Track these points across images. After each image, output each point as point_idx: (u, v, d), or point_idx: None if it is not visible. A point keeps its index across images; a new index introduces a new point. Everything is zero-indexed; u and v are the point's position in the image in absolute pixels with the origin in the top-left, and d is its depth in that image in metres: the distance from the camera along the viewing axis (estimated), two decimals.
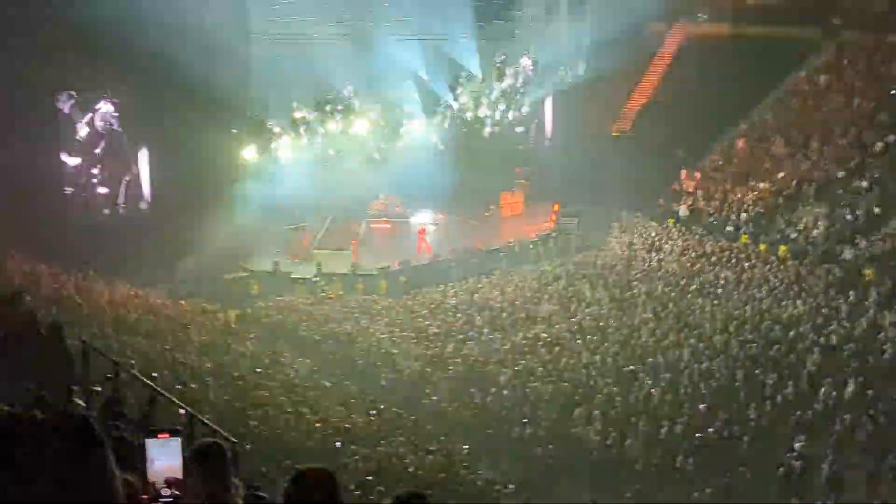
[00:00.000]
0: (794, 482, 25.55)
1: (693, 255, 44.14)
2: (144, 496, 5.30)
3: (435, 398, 31.71)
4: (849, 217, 42.44)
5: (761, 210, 46.46)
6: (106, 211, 44.39)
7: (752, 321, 35.56)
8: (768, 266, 41.28)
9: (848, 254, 40.23)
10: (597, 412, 29.14)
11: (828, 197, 44.80)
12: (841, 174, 45.88)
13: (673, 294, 39.70)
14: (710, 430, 27.74)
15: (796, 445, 26.60)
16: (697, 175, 52.38)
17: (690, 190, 51.51)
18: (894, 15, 53.68)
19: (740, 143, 53.53)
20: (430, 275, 46.60)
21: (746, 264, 41.95)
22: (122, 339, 30.30)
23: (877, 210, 42.37)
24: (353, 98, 56.11)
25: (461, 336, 36.71)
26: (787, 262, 41.32)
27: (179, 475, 4.96)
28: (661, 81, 60.94)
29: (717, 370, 31.38)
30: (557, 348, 34.37)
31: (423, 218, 53.65)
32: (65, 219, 42.56)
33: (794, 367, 31.37)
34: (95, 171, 43.99)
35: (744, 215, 46.63)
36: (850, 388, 29.44)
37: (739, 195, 48.45)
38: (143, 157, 44.95)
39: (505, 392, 31.33)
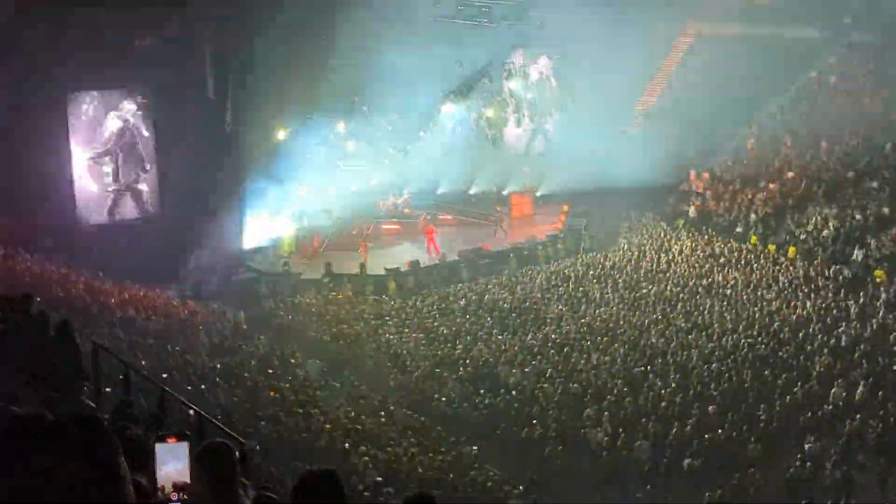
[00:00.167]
0: (803, 483, 25.52)
1: (702, 255, 44.09)
2: (154, 500, 5.32)
3: (444, 399, 31.70)
4: (858, 218, 42.38)
5: (770, 211, 46.42)
6: (116, 212, 44.42)
7: (762, 322, 35.53)
8: (777, 267, 41.24)
9: (858, 254, 40.17)
10: (606, 413, 29.13)
11: (837, 198, 44.74)
12: (850, 175, 45.83)
13: (682, 295, 39.66)
14: (720, 431, 27.73)
15: (806, 446, 26.60)
16: (706, 175, 52.34)
17: (699, 190, 51.49)
18: None
19: (749, 143, 53.51)
20: (439, 276, 46.59)
21: (755, 265, 41.92)
22: (132, 339, 30.37)
23: (886, 211, 42.31)
24: (362, 99, 56.07)
25: (470, 337, 36.70)
26: (797, 262, 41.27)
27: (187, 479, 4.98)
28: (670, 82, 60.92)
29: (727, 371, 31.36)
30: (567, 349, 34.35)
31: (432, 219, 53.63)
32: (75, 220, 42.63)
33: (804, 368, 31.36)
34: (110, 170, 44.03)
35: (753, 216, 46.57)
36: (860, 389, 29.43)
37: (749, 196, 48.41)
38: (155, 158, 44.99)
39: (514, 393, 31.32)
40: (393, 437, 27.57)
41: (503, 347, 35.34)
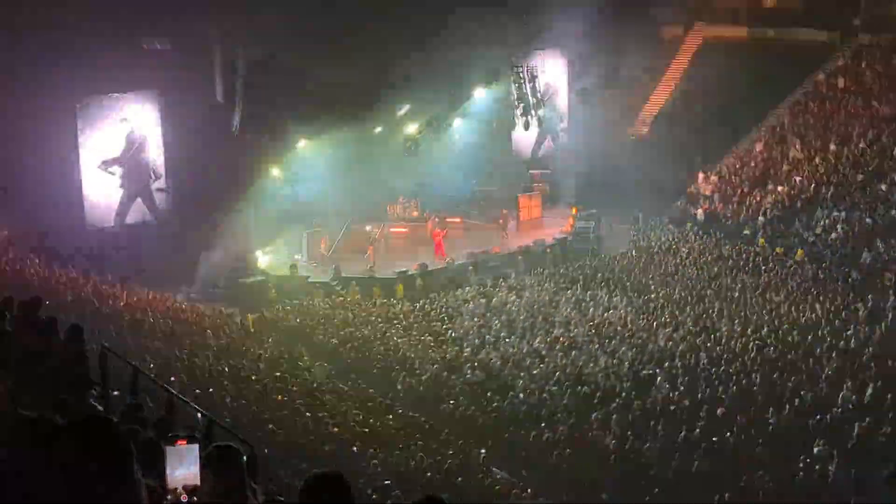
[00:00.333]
0: (811, 486, 25.45)
1: (710, 258, 44.06)
2: (165, 502, 5.32)
3: (452, 402, 31.66)
4: (867, 220, 42.32)
5: (779, 213, 46.38)
6: (125, 216, 44.49)
7: (770, 325, 35.51)
8: (786, 269, 41.20)
9: (866, 257, 40.11)
10: (614, 416, 29.08)
11: (846, 200, 44.68)
12: (859, 177, 45.78)
13: (690, 297, 39.64)
14: (728, 433, 27.66)
15: (814, 449, 26.52)
16: (715, 178, 52.31)
17: (708, 193, 51.45)
18: None
19: (758, 146, 53.48)
20: (447, 279, 46.57)
21: (764, 268, 41.89)
22: (140, 342, 30.39)
23: (895, 213, 42.25)
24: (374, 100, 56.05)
25: (478, 340, 36.67)
26: (805, 265, 41.22)
27: (197, 482, 4.99)
28: (678, 84, 60.91)
29: (735, 374, 31.32)
30: (575, 352, 34.33)
31: (440, 222, 53.61)
32: (84, 224, 42.72)
33: (812, 370, 31.31)
34: (119, 174, 44.12)
35: (761, 218, 46.54)
36: (869, 391, 29.36)
37: (757, 198, 48.38)
38: (164, 161, 45.07)
39: (522, 396, 31.28)
40: (401, 441, 27.54)
41: (511, 350, 35.29)
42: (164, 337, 32.72)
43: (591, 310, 39.26)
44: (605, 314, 38.63)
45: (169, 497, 4.91)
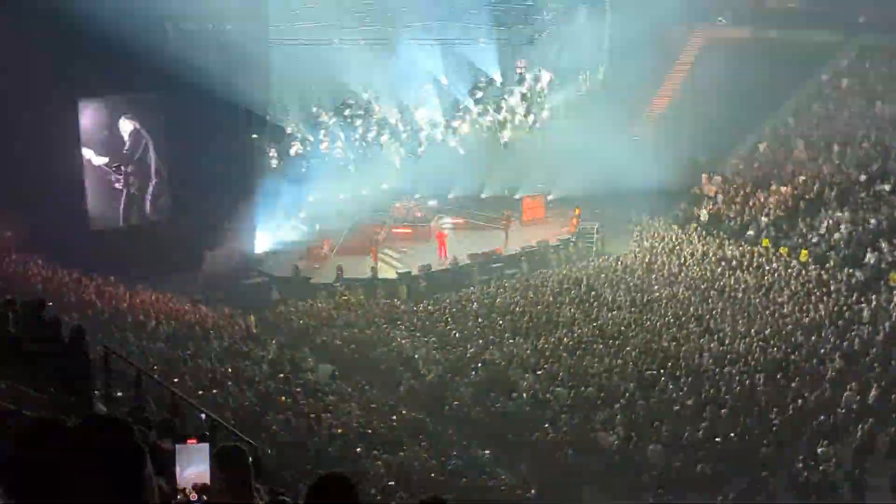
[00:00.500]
0: (815, 487, 25.44)
1: (714, 259, 44.04)
2: (175, 502, 5.32)
3: (456, 403, 31.66)
4: (871, 221, 42.27)
5: (782, 214, 46.34)
6: (127, 217, 44.52)
7: (774, 326, 35.49)
8: (790, 270, 41.16)
9: (870, 258, 40.07)
10: (618, 416, 29.08)
11: (850, 201, 44.64)
12: (863, 178, 45.72)
13: (694, 298, 39.64)
14: (732, 434, 27.66)
15: (818, 450, 26.52)
16: (718, 179, 52.28)
17: (711, 194, 51.41)
18: None
19: (762, 146, 53.44)
20: (450, 279, 46.58)
21: (767, 268, 41.85)
22: (143, 344, 30.42)
23: None
24: (373, 103, 56.12)
25: (482, 341, 36.66)
26: (809, 266, 41.19)
27: (207, 481, 4.99)
28: (682, 85, 60.90)
29: (739, 375, 31.30)
30: (579, 353, 34.31)
31: (444, 223, 53.67)
32: (87, 225, 42.75)
33: (816, 371, 31.31)
34: (119, 176, 44.13)
35: (765, 219, 46.49)
36: (873, 392, 29.35)
37: (760, 199, 48.33)
38: (166, 162, 45.08)
39: (526, 396, 31.27)
40: (405, 442, 27.54)
41: (515, 351, 35.28)
42: (167, 338, 32.74)
43: (595, 310, 39.24)
44: (609, 315, 38.62)
45: (179, 496, 4.90)
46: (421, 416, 30.62)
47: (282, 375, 31.88)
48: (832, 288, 38.58)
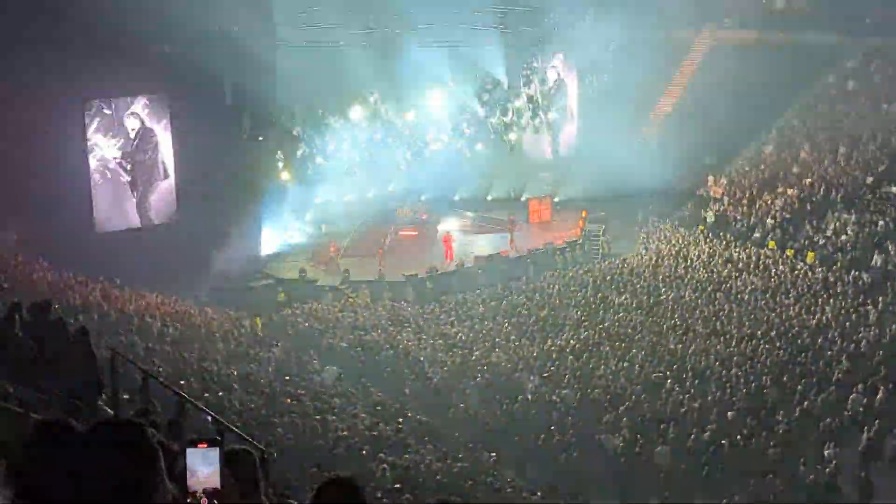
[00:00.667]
0: (822, 489, 25.41)
1: (720, 261, 43.98)
2: None
3: (462, 405, 31.66)
4: (880, 223, 42.22)
5: (789, 216, 46.29)
6: (133, 219, 44.56)
7: (780, 328, 35.43)
8: (796, 272, 41.11)
9: (877, 260, 40.02)
10: (624, 419, 29.06)
11: (856, 203, 44.59)
12: (870, 180, 45.68)
13: (700, 300, 39.60)
14: (738, 436, 27.63)
15: (825, 452, 26.49)
16: (724, 181, 52.24)
17: (718, 196, 51.37)
18: None
19: (768, 148, 53.39)
20: (456, 282, 46.58)
21: (774, 270, 41.79)
22: (149, 346, 30.43)
23: None
24: (379, 105, 56.16)
25: (488, 343, 36.66)
26: (815, 268, 41.14)
27: (218, 484, 4.97)
28: (688, 87, 60.85)
29: (745, 377, 31.27)
30: (585, 355, 34.31)
31: (450, 225, 53.67)
32: (92, 226, 42.78)
33: (823, 373, 31.24)
34: (128, 177, 44.19)
35: (771, 221, 46.44)
36: (879, 395, 29.31)
37: (767, 201, 48.28)
38: (173, 164, 45.12)
39: (532, 399, 31.26)
40: (411, 444, 27.54)
41: (521, 353, 35.28)
42: (173, 341, 32.75)
43: (601, 313, 39.23)
44: (615, 317, 38.59)
45: (189, 500, 4.89)
46: (427, 419, 30.62)
47: (288, 378, 31.90)
48: (838, 290, 38.53)
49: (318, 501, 5.01)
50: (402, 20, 53.30)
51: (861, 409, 28.89)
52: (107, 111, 43.41)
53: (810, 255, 42.35)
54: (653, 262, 45.62)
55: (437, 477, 25.19)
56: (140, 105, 44.16)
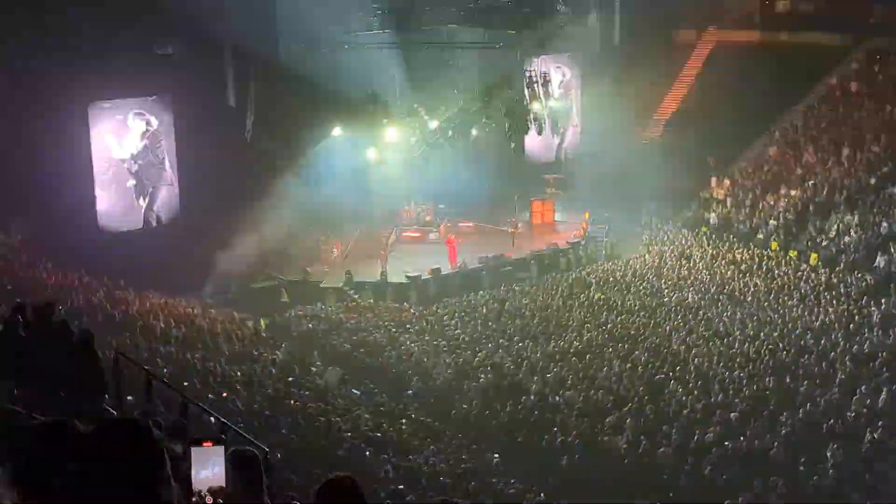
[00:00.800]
0: (825, 491, 25.38)
1: (723, 262, 43.97)
2: None
3: (465, 407, 31.65)
4: (883, 224, 42.20)
5: (792, 217, 46.28)
6: (137, 221, 44.59)
7: (783, 329, 35.42)
8: (799, 274, 41.10)
9: (880, 261, 40.00)
10: (628, 420, 29.03)
11: (859, 204, 44.57)
12: (873, 181, 45.66)
13: (703, 302, 39.59)
14: (742, 438, 27.61)
15: (828, 454, 26.45)
16: (728, 182, 52.23)
17: (721, 197, 51.37)
18: None
19: (771, 150, 53.38)
20: (460, 283, 46.57)
21: (777, 272, 41.79)
22: (153, 347, 30.45)
23: None
24: (383, 105, 56.11)
25: (491, 344, 36.65)
26: (819, 269, 41.12)
27: (222, 483, 4.99)
28: (691, 88, 60.85)
29: (748, 378, 31.25)
30: (588, 356, 34.30)
31: (453, 226, 53.65)
32: (97, 228, 42.82)
33: (826, 375, 31.21)
34: (132, 178, 44.22)
35: (774, 223, 46.44)
36: (883, 396, 29.27)
37: (770, 202, 48.29)
38: (176, 165, 45.15)
39: (535, 400, 31.25)
40: (414, 445, 27.54)
41: (524, 355, 35.27)
42: (176, 342, 32.77)
43: (604, 314, 39.21)
44: (618, 318, 38.58)
45: (194, 499, 4.91)
46: (430, 420, 30.64)
47: (291, 379, 31.91)
48: (842, 291, 38.52)
49: (318, 501, 5.03)
50: (406, 21, 53.28)
51: (864, 410, 28.86)
52: (111, 112, 43.44)
53: (813, 256, 42.35)
54: (656, 263, 45.63)
55: (441, 478, 25.21)
56: (144, 106, 44.19)
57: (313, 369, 34.73)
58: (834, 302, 37.46)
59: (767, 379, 30.99)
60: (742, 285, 40.92)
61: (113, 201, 43.94)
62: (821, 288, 39.25)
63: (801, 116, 54.74)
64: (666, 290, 41.59)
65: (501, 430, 30.05)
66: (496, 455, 28.29)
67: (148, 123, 44.26)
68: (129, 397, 17.10)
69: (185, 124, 44.23)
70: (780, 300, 38.74)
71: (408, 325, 39.92)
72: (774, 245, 44.71)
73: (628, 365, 33.20)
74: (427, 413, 31.32)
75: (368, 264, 48.31)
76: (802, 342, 33.90)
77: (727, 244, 46.29)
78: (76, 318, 26.30)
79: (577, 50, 58.85)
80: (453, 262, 48.54)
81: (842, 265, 40.84)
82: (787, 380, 30.96)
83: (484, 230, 54.34)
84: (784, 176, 50.12)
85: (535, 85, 57.83)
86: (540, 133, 59.07)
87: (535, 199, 56.62)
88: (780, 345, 33.84)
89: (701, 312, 38.36)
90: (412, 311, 42.56)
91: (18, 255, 36.78)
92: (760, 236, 46.08)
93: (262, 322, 40.34)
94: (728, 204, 50.44)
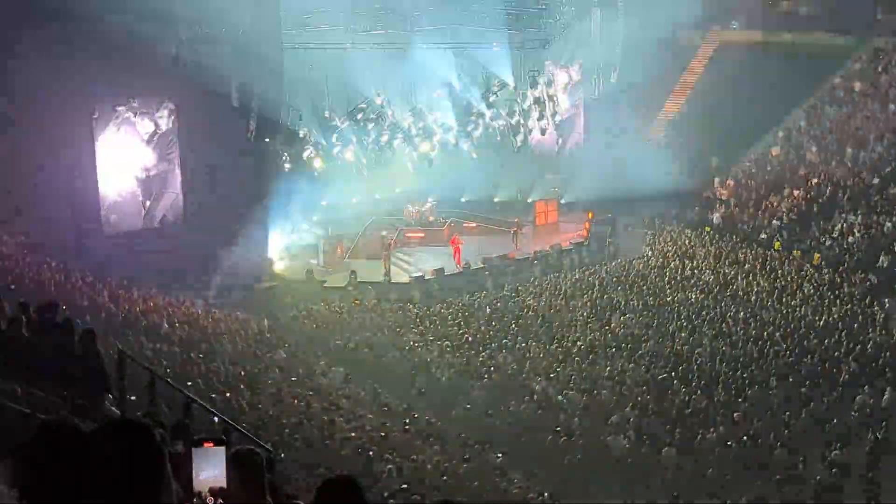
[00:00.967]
0: (829, 491, 25.38)
1: (726, 262, 43.97)
2: None
3: (469, 406, 31.65)
4: (887, 224, 42.18)
5: (795, 217, 46.27)
6: (141, 221, 44.60)
7: (786, 329, 35.42)
8: (802, 274, 41.10)
9: (883, 261, 40.00)
10: (631, 420, 29.05)
11: (863, 204, 44.56)
12: (876, 181, 45.65)
13: (707, 302, 39.59)
14: (745, 438, 27.62)
15: (832, 454, 26.45)
16: (730, 182, 52.23)
17: (724, 197, 51.36)
18: None
19: (774, 150, 53.35)
20: (463, 283, 46.56)
21: (780, 272, 41.78)
22: (156, 347, 30.46)
23: None
24: (386, 107, 56.15)
25: (495, 344, 36.65)
26: (822, 269, 41.11)
27: (224, 484, 5.00)
28: (694, 89, 60.83)
29: (752, 378, 31.26)
30: (591, 356, 34.31)
31: (457, 226, 53.66)
32: (100, 229, 42.83)
33: (829, 375, 31.23)
34: (135, 179, 44.22)
35: (777, 223, 46.43)
36: (886, 396, 29.29)
37: (773, 202, 48.27)
38: (180, 166, 45.16)
39: (539, 400, 31.25)
40: (418, 445, 27.55)
41: (528, 355, 35.28)
42: (180, 342, 32.77)
43: (608, 314, 39.22)
44: (622, 318, 38.58)
45: (195, 500, 4.92)
46: (433, 420, 30.63)
47: (294, 379, 31.92)
48: (845, 291, 38.55)
49: (318, 501, 5.05)
50: (408, 22, 53.31)
51: (868, 410, 28.87)
52: (115, 113, 43.43)
53: (817, 256, 42.36)
54: (659, 263, 45.63)
55: (444, 478, 25.19)
56: (148, 106, 44.20)
57: (316, 370, 34.72)
58: (837, 302, 37.47)
59: (771, 379, 31.02)
60: (745, 285, 40.92)
61: (117, 202, 43.91)
62: (824, 288, 39.25)
63: (804, 116, 54.72)
64: (669, 291, 41.59)
65: (505, 430, 30.04)
66: (500, 455, 28.28)
67: (154, 125, 44.25)
68: (131, 397, 17.08)
69: (189, 126, 44.20)
70: (784, 300, 38.74)
71: (411, 325, 39.91)
72: (777, 245, 44.70)
73: (631, 365, 33.25)
74: (431, 412, 31.30)
75: (372, 264, 48.35)
76: (805, 342, 33.92)
77: (730, 244, 46.29)
78: (80, 317, 26.32)
79: (579, 49, 58.78)
80: (458, 262, 48.54)
81: (845, 265, 40.83)
82: (791, 380, 30.98)
83: (487, 230, 54.32)
84: (787, 176, 50.10)
85: (539, 84, 57.90)
86: (543, 134, 59.11)
87: (538, 199, 56.62)
88: (784, 345, 33.87)
89: (704, 312, 38.37)
90: (415, 310, 42.53)
91: (23, 256, 36.77)
92: (764, 236, 46.08)
93: (266, 322, 40.19)
94: (731, 204, 50.43)
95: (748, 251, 44.87)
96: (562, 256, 49.88)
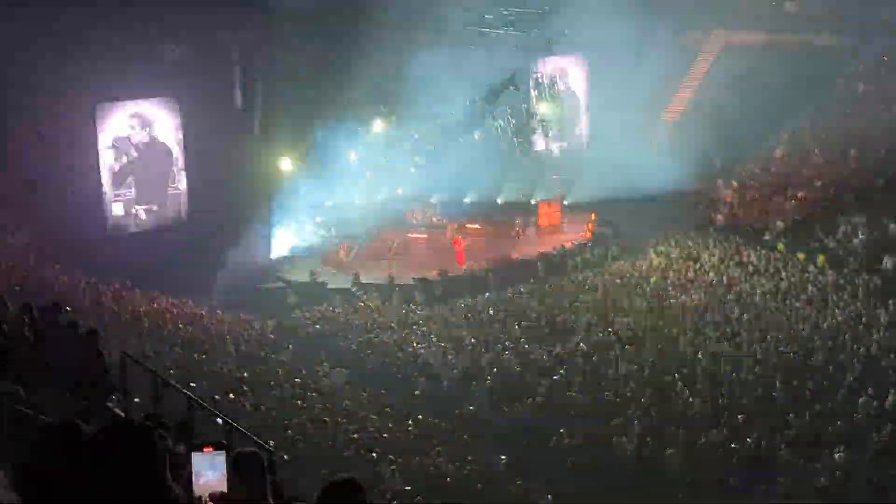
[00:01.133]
0: (832, 493, 25.34)
1: (730, 263, 43.91)
2: None
3: (472, 408, 31.64)
4: (891, 226, 42.13)
5: (799, 219, 46.21)
6: (145, 222, 44.63)
7: (791, 331, 35.36)
8: (807, 275, 41.04)
9: (888, 262, 39.94)
10: (634, 422, 29.01)
11: (867, 205, 44.49)
12: (880, 182, 45.60)
13: (710, 303, 39.53)
14: (749, 440, 27.57)
15: (836, 456, 26.41)
16: (734, 184, 52.16)
17: (727, 199, 51.29)
18: None
19: (778, 151, 53.30)
20: (466, 285, 46.53)
21: (784, 273, 41.71)
22: (160, 349, 30.48)
23: None
24: (389, 108, 56.10)
25: (498, 346, 36.62)
26: (826, 271, 41.04)
27: (224, 488, 5.00)
28: (699, 89, 60.80)
29: (756, 380, 31.21)
30: (595, 358, 34.27)
31: (460, 228, 53.65)
32: (104, 229, 42.86)
33: (833, 376, 31.16)
34: (139, 181, 44.25)
35: (781, 224, 46.37)
36: (890, 398, 29.22)
37: (777, 203, 48.20)
38: (184, 167, 45.17)
39: (542, 402, 31.23)
40: (421, 447, 27.53)
41: (531, 356, 35.25)
42: (183, 343, 32.79)
43: (611, 316, 39.17)
44: (625, 320, 38.53)
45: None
46: (436, 422, 30.61)
47: (297, 380, 31.93)
48: (849, 293, 38.45)
49: (322, 502, 5.04)
50: (411, 21, 53.25)
51: (872, 412, 28.82)
52: (117, 114, 43.46)
53: (821, 257, 42.27)
54: (663, 264, 45.55)
55: (447, 480, 25.20)
56: (151, 107, 44.23)
57: (319, 371, 34.72)
58: (841, 303, 37.39)
59: (774, 381, 30.95)
60: (749, 287, 40.84)
61: (121, 202, 43.94)
62: (828, 289, 39.17)
63: (808, 117, 54.69)
64: (672, 292, 41.52)
65: (508, 432, 30.02)
66: (503, 457, 28.27)
67: (155, 125, 44.27)
68: (135, 398, 17.10)
69: (193, 125, 44.22)
70: (788, 301, 38.68)
71: (414, 327, 39.90)
72: (781, 246, 44.64)
73: (635, 366, 33.18)
74: (434, 414, 31.28)
75: (375, 265, 48.36)
76: (810, 344, 33.85)
77: (734, 245, 46.20)
78: (83, 318, 26.34)
79: (585, 49, 58.76)
80: (461, 264, 48.53)
81: (849, 266, 40.77)
82: (795, 381, 30.90)
83: (491, 232, 54.29)
84: (791, 177, 50.03)
85: (543, 85, 57.88)
86: (546, 134, 59.09)
87: (541, 200, 56.60)
88: (788, 346, 33.81)
89: (708, 314, 38.32)
90: (419, 312, 42.52)
91: (26, 256, 36.80)
92: (768, 237, 46.00)
93: (269, 324, 40.17)
94: (735, 205, 50.35)
95: (752, 252, 44.78)
96: (565, 257, 49.81)
